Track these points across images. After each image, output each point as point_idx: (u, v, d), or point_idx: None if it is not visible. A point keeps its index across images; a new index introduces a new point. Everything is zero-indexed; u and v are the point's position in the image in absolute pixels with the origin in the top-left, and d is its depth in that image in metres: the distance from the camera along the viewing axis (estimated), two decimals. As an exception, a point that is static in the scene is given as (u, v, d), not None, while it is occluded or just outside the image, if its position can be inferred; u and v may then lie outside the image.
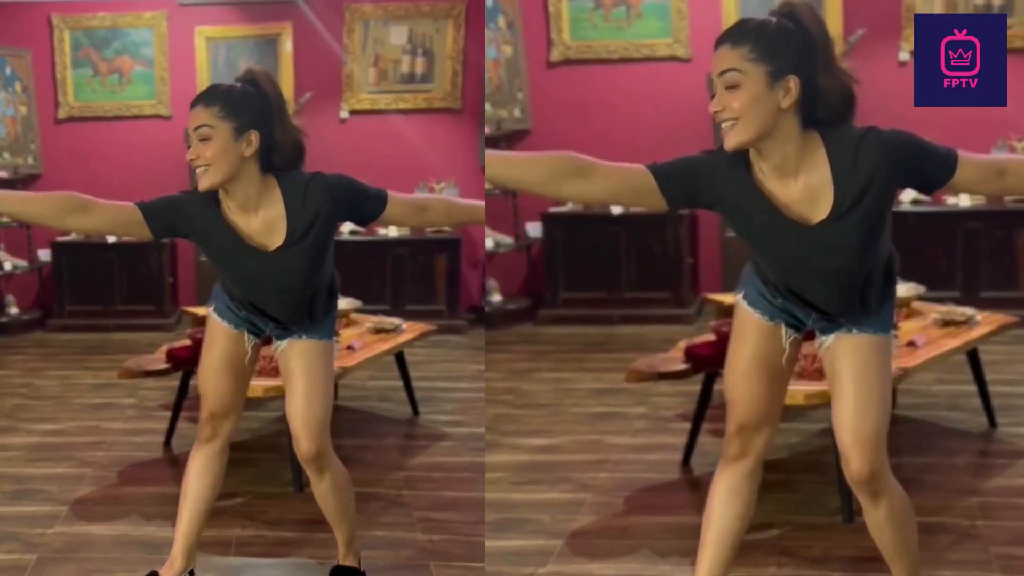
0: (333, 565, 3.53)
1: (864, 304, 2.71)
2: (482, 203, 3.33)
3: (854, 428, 2.73)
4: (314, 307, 3.17)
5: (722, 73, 2.53)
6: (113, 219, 3.00)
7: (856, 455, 2.73)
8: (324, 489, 3.35)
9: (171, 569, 3.32)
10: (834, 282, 2.67)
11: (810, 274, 2.68)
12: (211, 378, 3.30)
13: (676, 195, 2.65)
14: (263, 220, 3.04)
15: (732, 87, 2.52)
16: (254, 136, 2.97)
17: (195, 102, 2.98)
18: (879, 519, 2.84)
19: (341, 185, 3.08)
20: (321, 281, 3.16)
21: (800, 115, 2.56)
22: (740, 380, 2.86)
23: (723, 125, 2.56)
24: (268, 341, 3.33)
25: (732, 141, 2.55)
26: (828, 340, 2.79)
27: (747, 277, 2.84)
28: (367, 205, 3.13)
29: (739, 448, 2.87)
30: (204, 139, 2.94)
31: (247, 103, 2.98)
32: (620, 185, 2.64)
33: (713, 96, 2.59)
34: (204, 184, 2.96)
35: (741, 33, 2.54)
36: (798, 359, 2.99)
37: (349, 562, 3.50)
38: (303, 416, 3.20)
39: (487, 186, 7.42)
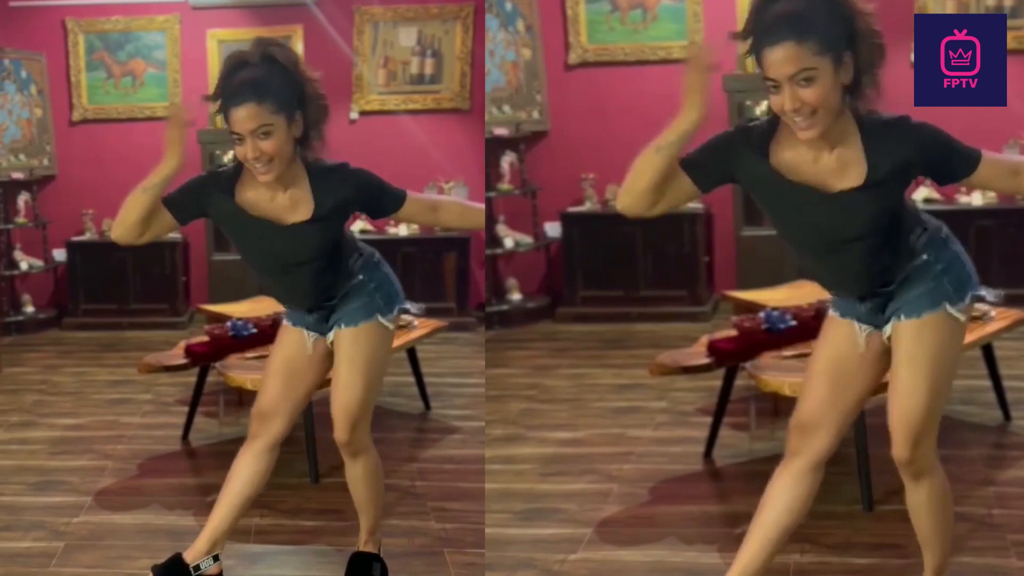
0: (352, 551, 3.56)
1: (882, 276, 2.74)
2: (482, 207, 3.43)
3: (898, 411, 2.76)
4: (326, 285, 3.20)
5: (795, 75, 2.50)
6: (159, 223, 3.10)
7: (897, 438, 2.78)
8: (355, 475, 3.41)
9: (192, 552, 3.34)
10: (856, 254, 2.70)
11: (832, 243, 2.70)
12: (267, 376, 3.36)
13: (708, 183, 2.73)
14: (290, 197, 3.07)
15: (807, 81, 2.50)
16: (299, 117, 3.00)
17: (240, 100, 2.92)
18: (917, 501, 2.89)
19: (366, 178, 3.17)
20: (333, 262, 3.18)
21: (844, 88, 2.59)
22: (809, 377, 2.91)
23: (796, 119, 2.54)
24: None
25: (813, 132, 2.56)
26: (887, 330, 2.80)
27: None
28: (386, 201, 3.22)
29: (794, 445, 2.89)
30: (266, 136, 2.93)
31: (287, 88, 2.98)
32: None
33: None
34: (269, 177, 2.99)
35: (801, 28, 2.48)
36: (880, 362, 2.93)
37: (369, 548, 3.54)
38: (337, 403, 3.26)
39: (506, 186, 7.49)
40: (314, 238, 3.09)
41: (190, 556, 3.34)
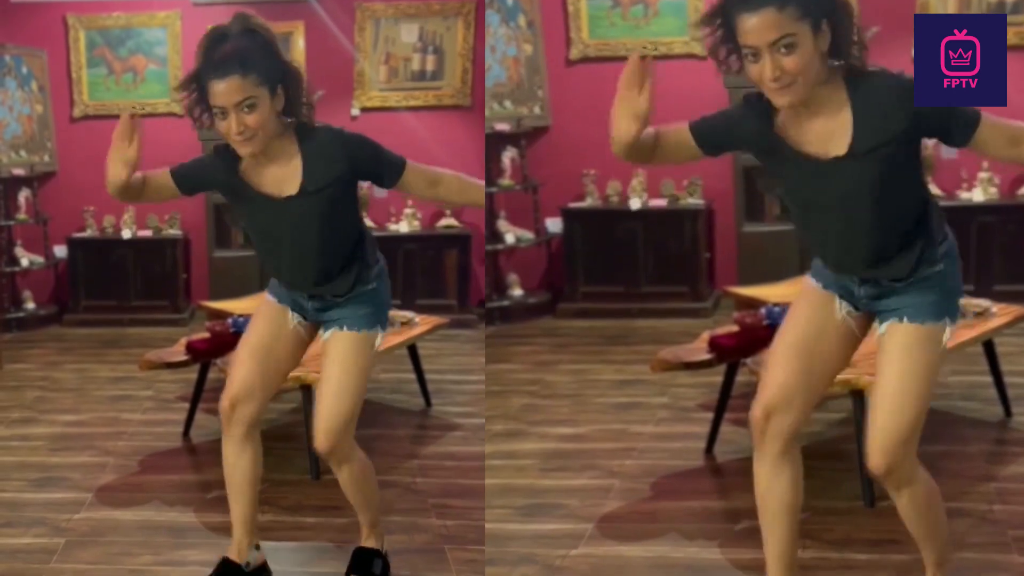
0: (355, 547, 3.55)
1: (886, 260, 2.69)
2: (482, 183, 3.37)
3: (881, 423, 2.72)
4: (334, 271, 3.14)
5: (776, 41, 2.49)
6: (158, 189, 3.10)
7: (876, 450, 2.73)
8: (343, 480, 3.37)
9: (235, 550, 3.36)
10: (851, 228, 2.67)
11: (826, 214, 2.69)
12: (241, 357, 3.29)
13: (710, 147, 2.75)
14: (279, 169, 3.05)
15: (787, 48, 2.49)
16: (281, 90, 2.98)
17: (224, 73, 2.89)
18: (901, 507, 2.87)
19: (360, 144, 3.11)
20: (343, 246, 3.13)
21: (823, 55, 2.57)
22: (779, 352, 2.84)
23: (773, 86, 2.54)
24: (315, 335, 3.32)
25: (791, 99, 2.55)
26: (881, 328, 2.76)
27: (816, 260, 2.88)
28: (384, 168, 3.16)
29: (762, 429, 2.84)
30: (251, 109, 2.91)
31: (269, 59, 2.95)
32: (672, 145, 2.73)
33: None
34: (249, 150, 2.97)
35: None
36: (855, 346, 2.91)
37: (371, 543, 3.52)
38: (323, 413, 3.19)
39: (507, 181, 7.48)
40: (308, 213, 3.04)
41: (235, 555, 3.35)
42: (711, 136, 2.74)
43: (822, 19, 2.52)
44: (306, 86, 3.05)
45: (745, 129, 2.70)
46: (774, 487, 2.88)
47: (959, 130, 2.62)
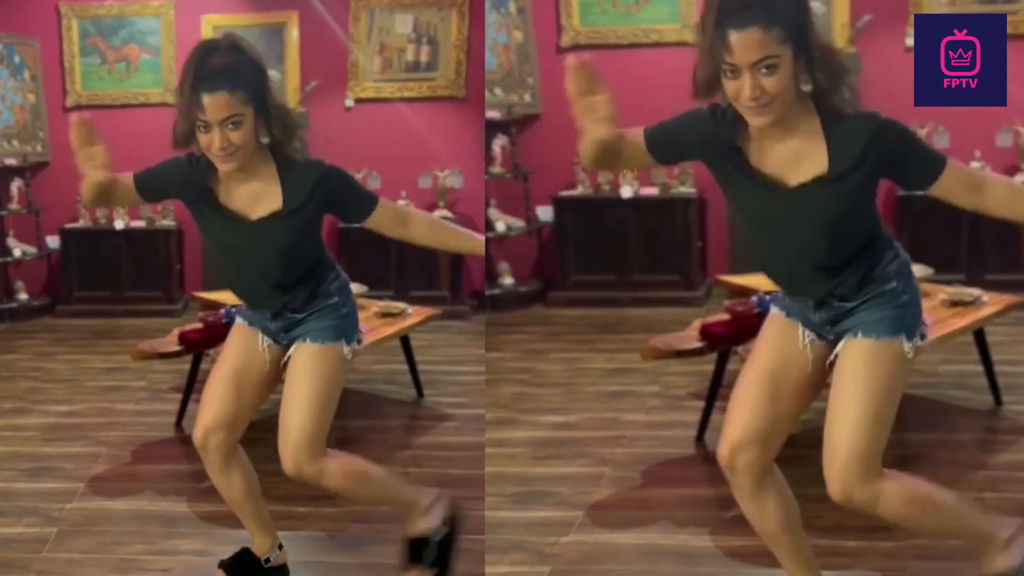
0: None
1: (832, 278, 2.65)
2: (482, 238, 3.27)
3: (832, 443, 2.63)
4: (289, 287, 3.07)
5: (759, 61, 2.44)
6: (124, 194, 3.02)
7: (831, 479, 2.64)
8: (338, 491, 3.25)
9: (258, 549, 3.37)
10: (801, 252, 2.63)
11: (777, 236, 2.64)
12: (214, 386, 3.19)
13: (662, 156, 2.69)
14: (253, 190, 2.99)
15: (769, 69, 2.45)
16: (263, 111, 2.92)
17: (213, 87, 2.84)
18: (894, 523, 2.79)
19: (337, 177, 3.05)
20: (302, 266, 3.07)
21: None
22: (745, 386, 2.76)
23: (751, 105, 2.49)
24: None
25: (766, 119, 2.50)
26: (838, 347, 2.70)
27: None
28: (355, 205, 3.10)
29: (728, 469, 2.76)
30: (236, 126, 2.86)
31: (255, 78, 2.92)
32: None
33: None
34: (230, 167, 2.91)
35: (768, 14, 2.44)
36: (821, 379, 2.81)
37: (416, 529, 3.32)
38: (286, 432, 3.07)
39: (498, 169, 7.49)
40: (280, 235, 2.99)
41: (258, 551, 3.36)
42: (665, 145, 2.66)
43: (803, 44, 2.48)
44: (289, 119, 2.99)
45: (703, 141, 2.63)
46: (764, 514, 2.82)
47: (923, 175, 2.59)
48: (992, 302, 4.82)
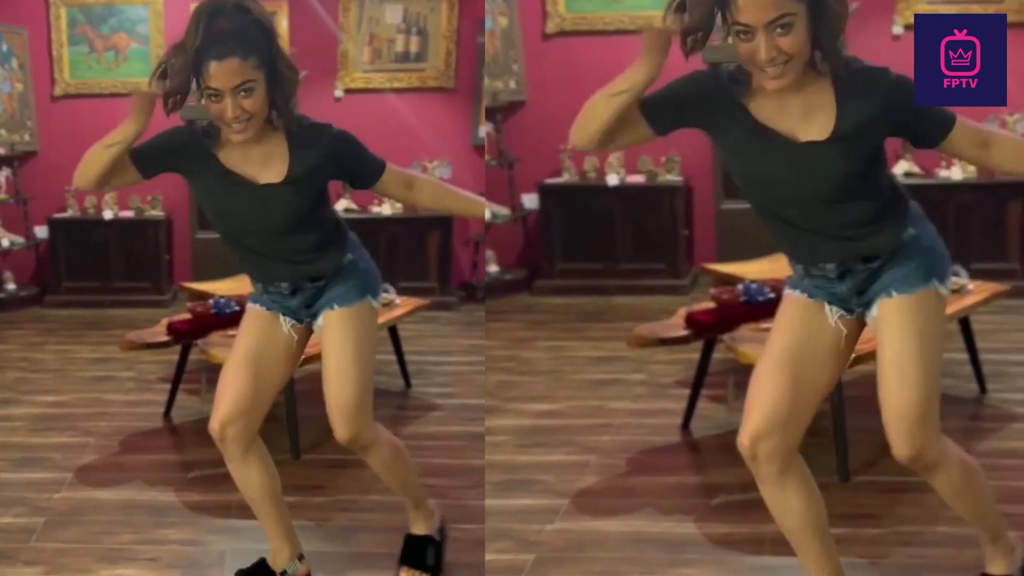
0: (405, 534, 3.43)
1: (851, 239, 2.60)
2: (482, 200, 3.23)
3: (893, 407, 2.57)
4: (303, 255, 3.00)
5: (774, 20, 2.38)
6: (120, 173, 2.89)
7: (896, 438, 2.59)
8: (375, 467, 3.23)
9: (274, 560, 3.26)
10: (815, 212, 2.57)
11: (790, 198, 2.58)
12: (230, 374, 3.08)
13: (664, 124, 2.58)
14: (260, 154, 2.90)
15: (785, 28, 2.39)
16: (275, 74, 2.82)
17: (222, 53, 2.72)
18: (941, 491, 2.75)
19: (347, 142, 2.98)
20: (314, 233, 3.00)
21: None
22: (765, 373, 2.67)
23: (768, 68, 2.43)
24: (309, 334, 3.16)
25: (782, 82, 2.44)
26: (874, 311, 2.64)
27: (793, 275, 2.76)
28: (365, 170, 3.04)
29: (750, 459, 2.68)
30: (249, 92, 2.76)
31: (265, 41, 2.78)
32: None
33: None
34: (245, 136, 2.81)
35: None
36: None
37: (419, 529, 3.39)
38: (333, 402, 3.02)
39: (486, 158, 7.49)
40: (289, 201, 2.90)
41: (273, 562, 3.25)
42: (664, 112, 2.57)
43: (815, 2, 2.42)
44: (295, 79, 2.89)
45: (705, 98, 2.56)
46: (787, 508, 2.73)
47: (935, 130, 2.56)
48: (977, 290, 4.84)
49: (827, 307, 2.68)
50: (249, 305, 3.14)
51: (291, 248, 2.99)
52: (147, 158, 2.90)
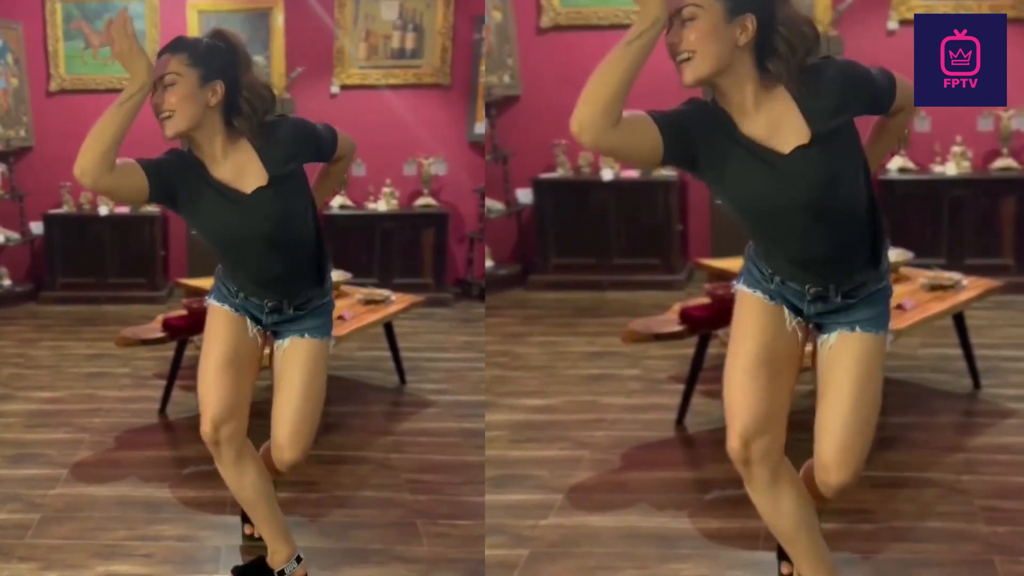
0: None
1: (845, 262, 2.63)
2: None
3: (845, 434, 2.65)
4: (296, 272, 3.05)
5: (679, 10, 2.45)
6: (127, 174, 2.84)
7: (837, 464, 2.66)
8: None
9: (271, 559, 3.29)
10: (813, 225, 2.56)
11: (787, 212, 2.56)
12: (212, 376, 3.12)
13: (669, 131, 2.49)
14: (233, 165, 2.94)
15: (689, 20, 2.45)
16: (219, 86, 2.88)
17: (162, 52, 2.90)
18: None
19: (304, 126, 3.05)
20: (306, 239, 3.04)
21: (756, 55, 2.50)
22: (739, 375, 2.70)
23: (679, 60, 2.47)
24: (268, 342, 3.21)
25: (689, 75, 2.47)
26: (831, 339, 2.69)
27: (745, 265, 2.77)
28: (324, 144, 3.13)
29: (742, 462, 2.71)
30: (170, 85, 2.84)
31: (214, 54, 2.91)
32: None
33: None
34: (169, 131, 2.87)
35: None
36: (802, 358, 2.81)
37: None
38: (292, 425, 3.07)
39: (486, 156, 7.50)
40: (274, 205, 2.93)
41: (273, 562, 3.28)
42: (671, 119, 2.50)
43: (745, 12, 2.46)
44: (271, 97, 2.97)
45: (706, 127, 2.54)
46: (779, 511, 2.77)
47: (887, 95, 2.62)
48: (971, 286, 4.86)
49: (786, 311, 2.72)
50: (214, 304, 3.18)
51: (281, 254, 3.01)
52: (155, 166, 2.89)
